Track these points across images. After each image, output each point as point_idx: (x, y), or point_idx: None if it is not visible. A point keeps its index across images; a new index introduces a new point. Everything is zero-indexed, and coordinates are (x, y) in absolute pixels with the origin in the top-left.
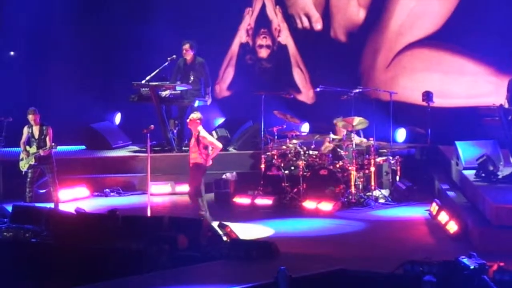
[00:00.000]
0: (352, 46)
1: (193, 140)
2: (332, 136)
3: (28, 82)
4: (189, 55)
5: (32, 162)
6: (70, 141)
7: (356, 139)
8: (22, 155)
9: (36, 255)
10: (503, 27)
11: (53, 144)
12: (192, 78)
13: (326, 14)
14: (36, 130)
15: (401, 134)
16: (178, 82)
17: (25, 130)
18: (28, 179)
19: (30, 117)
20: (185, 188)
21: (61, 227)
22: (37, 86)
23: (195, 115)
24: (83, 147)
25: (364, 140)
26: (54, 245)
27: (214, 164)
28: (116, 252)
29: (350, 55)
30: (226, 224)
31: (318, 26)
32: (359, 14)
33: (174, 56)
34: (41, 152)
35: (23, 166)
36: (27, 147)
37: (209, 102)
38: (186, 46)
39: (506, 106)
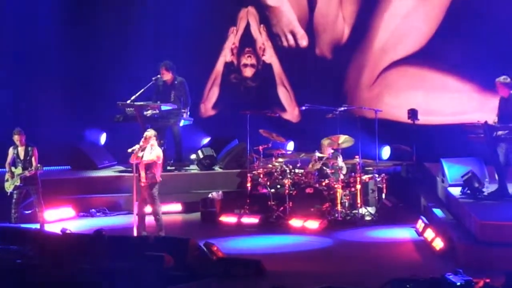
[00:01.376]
0: (337, 64)
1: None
2: (318, 154)
3: (12, 102)
4: (167, 76)
5: (18, 183)
6: (55, 162)
7: (339, 162)
8: (7, 176)
9: (21, 276)
10: (487, 44)
11: (39, 165)
12: (172, 98)
13: (311, 31)
14: (21, 151)
15: (385, 152)
16: (158, 102)
17: (10, 151)
18: (14, 200)
19: (16, 137)
20: (172, 207)
21: (47, 248)
22: (22, 106)
23: (149, 132)
24: (68, 167)
25: (344, 166)
26: (39, 266)
27: (200, 183)
28: (102, 272)
29: (335, 73)
30: (213, 243)
31: (303, 42)
32: (344, 32)
33: (159, 76)
34: (27, 173)
35: (8, 187)
36: (12, 168)
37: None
38: (162, 68)
39: (496, 121)
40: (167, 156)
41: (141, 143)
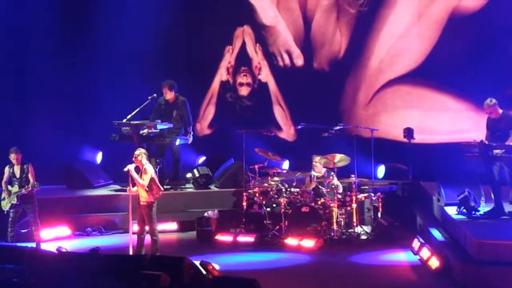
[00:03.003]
0: (332, 83)
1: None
2: (313, 173)
3: (7, 121)
4: (169, 95)
5: (14, 201)
6: (50, 181)
7: (335, 181)
8: (4, 195)
9: None
10: (483, 63)
11: (36, 183)
12: (174, 116)
13: (307, 51)
14: (17, 169)
15: (380, 171)
16: (158, 121)
17: (6, 169)
18: (10, 219)
19: (12, 156)
20: (168, 226)
21: (43, 266)
22: (17, 125)
23: (137, 151)
24: (64, 186)
25: (340, 185)
26: (35, 284)
27: (196, 202)
28: None
29: (330, 92)
30: (208, 261)
31: (299, 62)
32: (341, 51)
33: (155, 94)
34: (24, 191)
35: (5, 205)
36: (9, 187)
37: (190, 140)
38: (165, 88)
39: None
40: (164, 175)
41: (131, 168)
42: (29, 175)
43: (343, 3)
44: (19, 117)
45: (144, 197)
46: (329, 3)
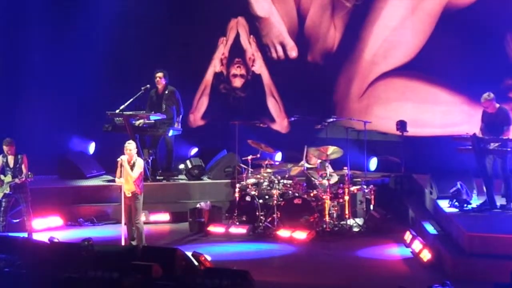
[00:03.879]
0: (326, 75)
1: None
2: (306, 164)
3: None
4: (161, 84)
5: (7, 191)
6: (43, 171)
7: (328, 171)
8: None
9: (9, 285)
10: (476, 57)
11: (29, 173)
12: (164, 107)
13: (301, 42)
14: (11, 159)
15: (373, 163)
16: (152, 112)
17: (0, 159)
18: (2, 208)
19: (5, 148)
20: (160, 217)
21: (35, 256)
22: (10, 115)
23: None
24: (56, 176)
25: (334, 174)
26: (27, 274)
27: (188, 193)
28: (90, 282)
29: (324, 84)
30: (201, 253)
31: (293, 53)
32: (335, 44)
33: (148, 85)
34: (17, 181)
35: None
36: (1, 176)
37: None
38: (160, 74)
39: (480, 135)
40: (157, 165)
41: (125, 159)
42: (23, 166)
43: None
44: (12, 107)
45: (131, 189)
46: None
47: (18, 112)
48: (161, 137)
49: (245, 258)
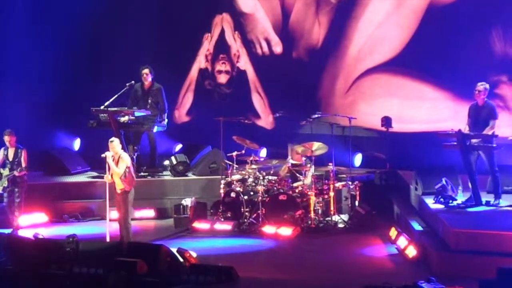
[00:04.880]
0: (311, 71)
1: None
2: (291, 161)
3: None
4: (148, 80)
5: (5, 184)
6: (27, 167)
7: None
8: None
9: None
10: (461, 53)
11: (25, 166)
12: (150, 103)
13: (286, 38)
14: (11, 152)
15: (357, 159)
16: (135, 108)
17: (1, 152)
18: (5, 204)
19: (6, 138)
20: (145, 213)
21: (20, 252)
22: None
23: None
24: (41, 172)
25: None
26: (12, 270)
27: (173, 189)
28: (75, 278)
29: (309, 80)
30: (185, 249)
31: (278, 49)
32: (319, 39)
33: (133, 81)
34: (16, 173)
35: None
36: (1, 170)
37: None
38: (146, 70)
39: (466, 131)
40: (141, 162)
41: (108, 155)
42: (22, 160)
43: None
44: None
45: (119, 185)
46: None
47: (2, 106)
48: (144, 133)
49: (230, 254)
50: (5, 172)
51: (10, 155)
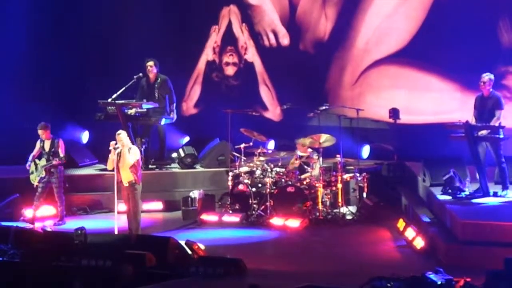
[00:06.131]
0: (319, 63)
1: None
2: (299, 153)
3: None
4: (152, 73)
5: (42, 175)
6: (65, 156)
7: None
8: (32, 169)
9: (3, 273)
10: (469, 44)
11: (63, 156)
12: (157, 96)
13: (293, 30)
14: (47, 143)
15: (365, 151)
16: (144, 100)
17: (38, 144)
18: (37, 194)
19: (40, 132)
20: (153, 205)
21: (28, 245)
22: (3, 104)
23: (120, 135)
24: None
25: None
26: (21, 263)
27: (181, 181)
28: (84, 270)
29: (317, 72)
30: (194, 241)
31: (285, 41)
32: (327, 31)
33: (141, 74)
34: (54, 162)
35: (34, 179)
36: (37, 160)
37: (174, 119)
38: (151, 63)
39: (473, 122)
40: (149, 154)
41: (115, 145)
42: (59, 150)
43: None
44: (6, 95)
45: (128, 178)
46: None
47: (12, 100)
48: (153, 126)
49: (238, 246)
50: (42, 162)
51: (46, 146)
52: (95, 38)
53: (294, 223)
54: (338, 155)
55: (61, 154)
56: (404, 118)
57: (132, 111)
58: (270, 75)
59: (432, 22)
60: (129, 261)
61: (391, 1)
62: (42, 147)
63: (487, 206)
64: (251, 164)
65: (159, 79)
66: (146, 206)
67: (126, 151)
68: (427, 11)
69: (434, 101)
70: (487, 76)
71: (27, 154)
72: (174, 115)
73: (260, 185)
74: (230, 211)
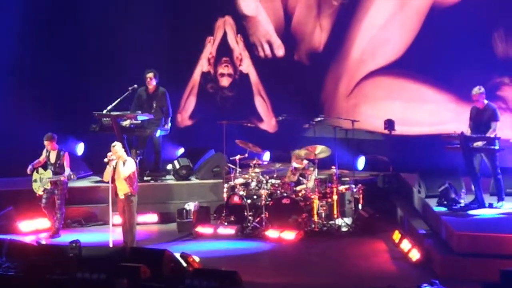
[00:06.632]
0: (314, 74)
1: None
2: (294, 165)
3: None
4: (152, 84)
5: (48, 186)
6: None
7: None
8: (35, 176)
9: None
10: (464, 55)
11: (72, 174)
12: (154, 107)
13: (288, 41)
14: (53, 154)
15: (360, 162)
16: (139, 112)
17: (44, 152)
18: (42, 205)
19: (46, 143)
20: (149, 218)
21: (23, 258)
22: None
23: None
24: None
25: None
26: (15, 276)
27: (176, 193)
28: (78, 283)
29: (312, 83)
30: (189, 254)
31: (280, 52)
32: (322, 42)
33: (136, 85)
34: (62, 178)
35: (37, 189)
36: (41, 170)
37: (168, 130)
38: (150, 74)
39: (468, 133)
40: (144, 166)
41: (111, 157)
42: (64, 163)
43: None
44: (1, 106)
45: (122, 190)
46: None
47: (6, 111)
48: (148, 138)
49: (234, 258)
50: (47, 174)
51: (52, 157)
52: (91, 49)
53: (289, 235)
54: (333, 167)
55: (67, 169)
56: (399, 129)
57: (127, 123)
58: (265, 86)
59: (427, 33)
60: (124, 274)
61: (386, 12)
62: (48, 158)
63: (483, 217)
64: (246, 176)
65: (159, 91)
66: (141, 218)
67: (121, 163)
68: (422, 22)
69: (429, 112)
70: (477, 92)
71: (22, 166)
72: (168, 128)
73: (255, 196)
74: (225, 223)
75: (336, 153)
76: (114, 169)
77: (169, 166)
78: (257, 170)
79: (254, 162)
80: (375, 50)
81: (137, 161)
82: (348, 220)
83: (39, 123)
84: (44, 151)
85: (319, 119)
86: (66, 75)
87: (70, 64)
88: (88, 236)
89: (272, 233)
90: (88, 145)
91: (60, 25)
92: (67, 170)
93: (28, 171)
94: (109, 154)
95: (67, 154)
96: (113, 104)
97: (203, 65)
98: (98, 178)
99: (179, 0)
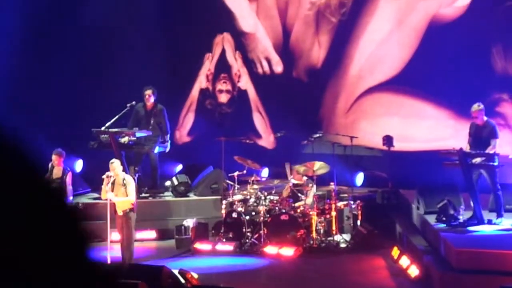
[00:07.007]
0: (312, 90)
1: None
2: (293, 181)
3: None
4: (150, 102)
5: None
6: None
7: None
8: None
9: None
10: (462, 71)
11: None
12: (152, 124)
13: (286, 57)
14: (57, 170)
15: (359, 178)
16: (136, 128)
17: (50, 166)
18: None
19: (53, 157)
20: (147, 234)
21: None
22: None
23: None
24: None
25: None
26: None
27: (174, 210)
28: None
29: (310, 100)
30: (187, 270)
31: (278, 68)
32: (320, 59)
33: (134, 102)
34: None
35: None
36: None
37: (168, 149)
38: (149, 91)
39: (467, 150)
40: (142, 183)
41: (109, 174)
42: (67, 181)
43: (325, 12)
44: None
45: (121, 207)
46: (309, 15)
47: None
48: (145, 154)
49: (232, 275)
50: None
51: (56, 173)
52: (88, 65)
53: (288, 251)
54: (332, 183)
55: (69, 187)
56: (398, 146)
57: (125, 139)
58: (263, 103)
59: (425, 50)
60: None
61: (385, 29)
62: (51, 172)
63: (482, 234)
64: (245, 192)
65: (157, 108)
66: (139, 235)
67: (120, 181)
68: (420, 39)
69: (428, 128)
70: (476, 108)
71: None
72: (168, 145)
73: (253, 213)
74: (224, 240)
75: (334, 169)
76: (113, 186)
77: (168, 183)
78: (255, 186)
79: (253, 178)
80: (373, 67)
81: (136, 178)
82: (347, 236)
83: (35, 139)
84: (50, 165)
85: (317, 135)
86: (64, 92)
87: (68, 80)
88: None
89: (270, 249)
90: (86, 162)
91: (56, 38)
92: (69, 188)
93: None
94: (109, 173)
95: (70, 174)
96: (112, 121)
97: (201, 82)
98: (96, 195)
99: (177, 17)
